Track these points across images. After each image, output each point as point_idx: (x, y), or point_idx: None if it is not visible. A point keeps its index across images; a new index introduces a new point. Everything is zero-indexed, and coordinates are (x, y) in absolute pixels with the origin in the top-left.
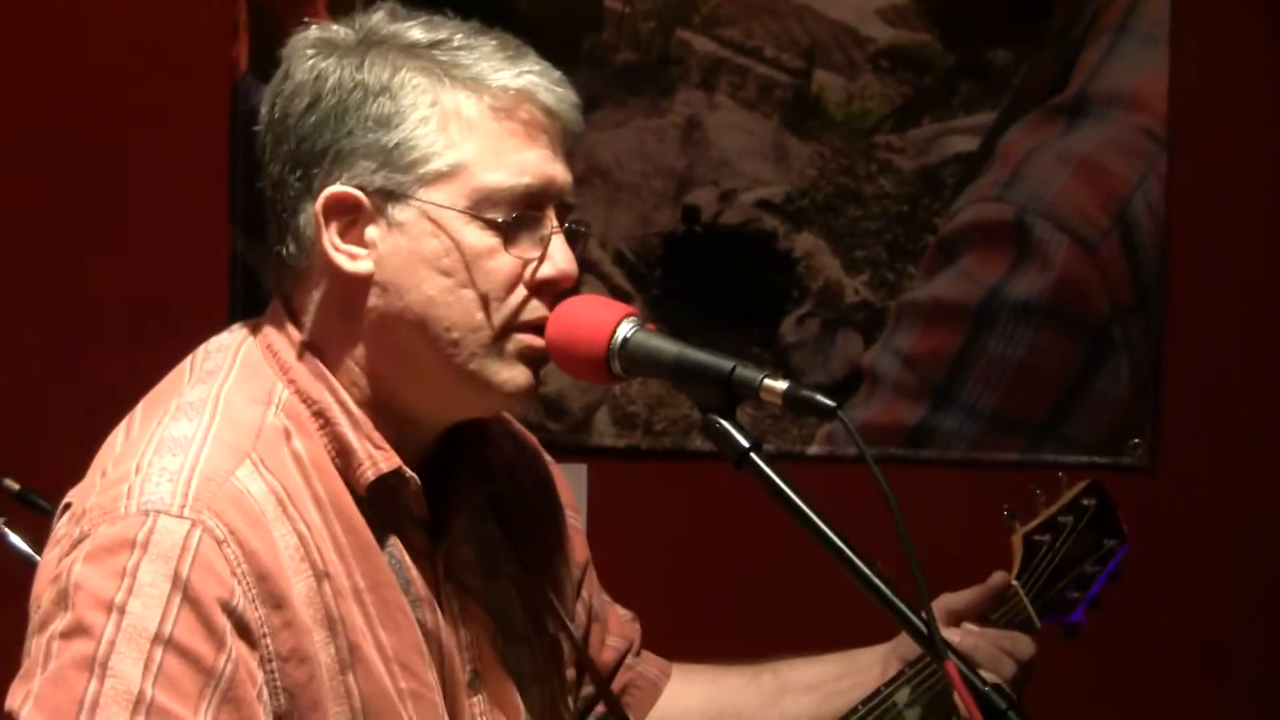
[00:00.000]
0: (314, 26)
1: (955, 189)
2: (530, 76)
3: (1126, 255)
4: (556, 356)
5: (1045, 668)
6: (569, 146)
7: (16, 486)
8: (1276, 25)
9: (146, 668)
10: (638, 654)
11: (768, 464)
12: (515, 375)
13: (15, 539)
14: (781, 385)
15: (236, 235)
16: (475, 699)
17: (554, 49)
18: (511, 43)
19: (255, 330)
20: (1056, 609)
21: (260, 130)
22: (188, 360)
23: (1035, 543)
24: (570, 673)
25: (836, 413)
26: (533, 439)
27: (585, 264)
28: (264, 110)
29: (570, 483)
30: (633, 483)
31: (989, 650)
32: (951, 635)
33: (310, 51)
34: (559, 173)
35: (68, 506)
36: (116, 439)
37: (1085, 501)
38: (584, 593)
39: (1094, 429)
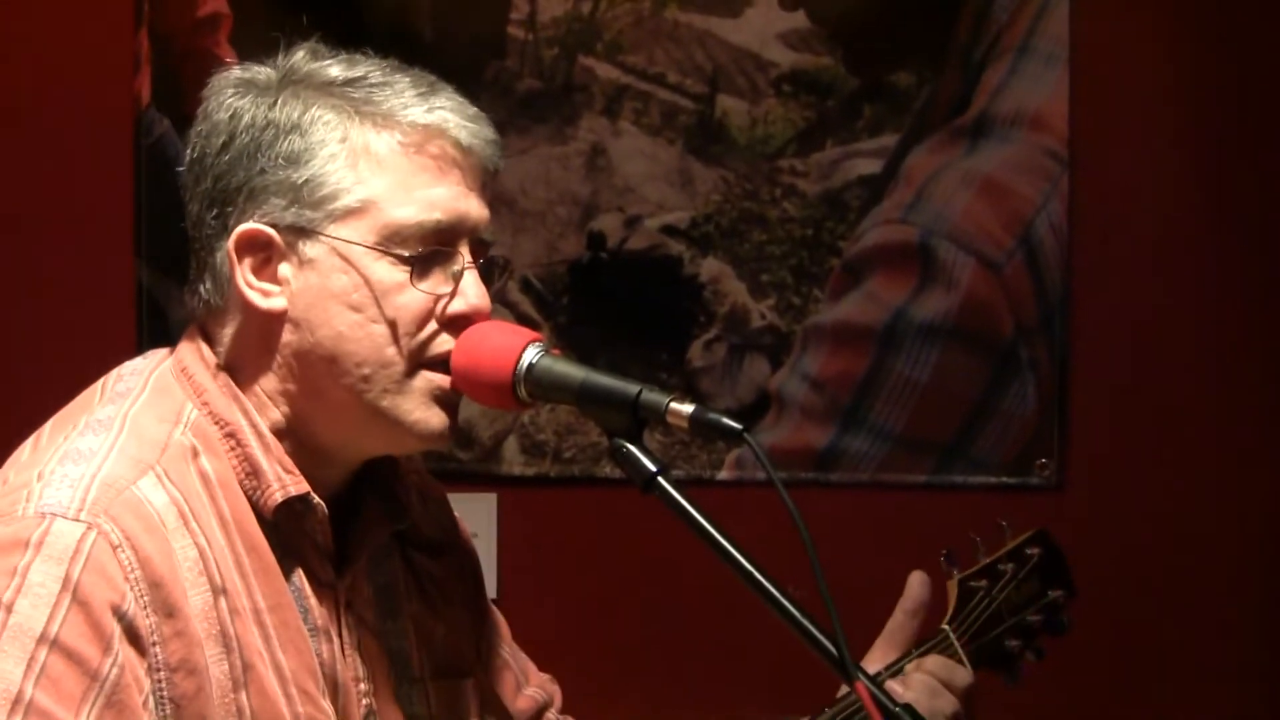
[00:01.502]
0: (236, 67)
1: (860, 212)
2: (442, 112)
3: (1031, 275)
4: (462, 384)
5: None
6: (485, 182)
7: None
8: (1175, 44)
9: (29, 667)
10: (560, 714)
11: (675, 488)
12: (429, 417)
13: None
14: (688, 409)
15: (141, 268)
16: None
17: (458, 76)
18: (426, 79)
19: (172, 355)
20: (992, 657)
21: (183, 170)
22: (100, 382)
23: (970, 588)
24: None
25: (744, 435)
26: (436, 484)
27: (493, 293)
28: (186, 150)
29: (480, 512)
30: (542, 511)
31: (926, 681)
32: (893, 684)
33: (229, 91)
34: (472, 208)
35: None
36: (22, 452)
37: (1029, 550)
38: (483, 639)
39: (1002, 449)
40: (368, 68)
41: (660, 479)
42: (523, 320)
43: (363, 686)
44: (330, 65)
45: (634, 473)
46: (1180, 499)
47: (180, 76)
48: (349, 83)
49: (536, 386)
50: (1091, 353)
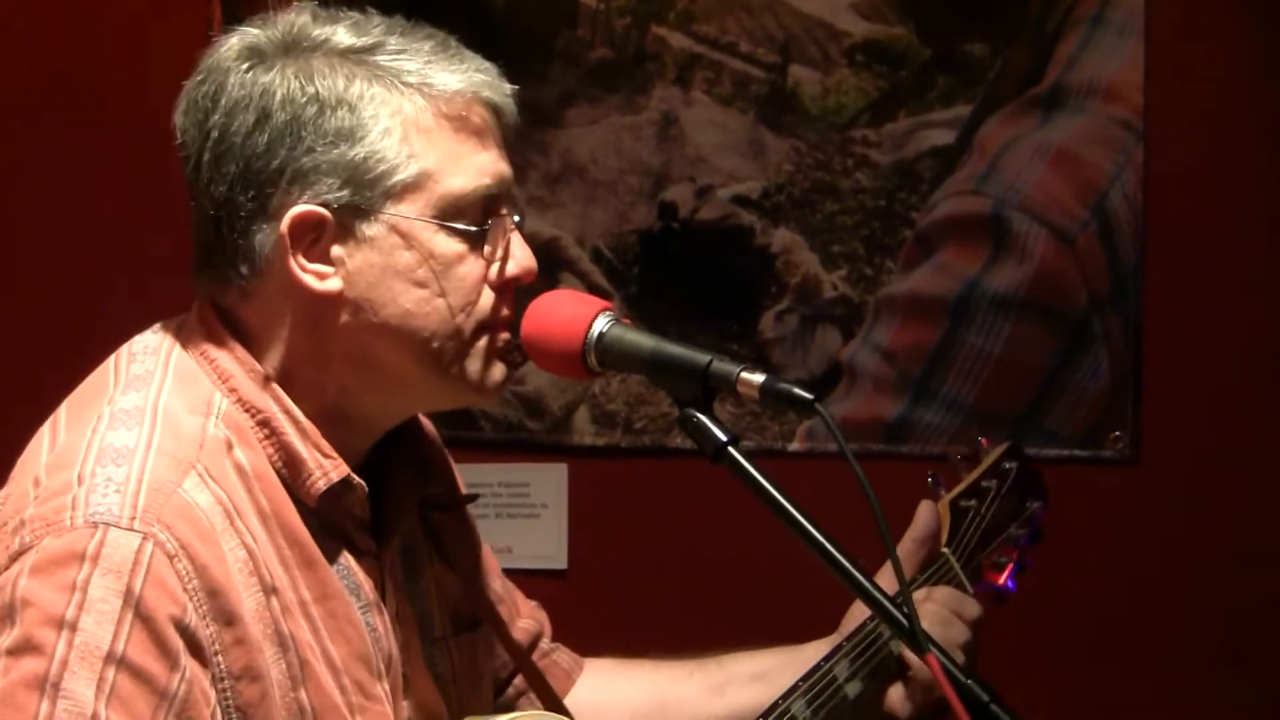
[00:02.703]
0: (231, 36)
1: (932, 183)
2: (476, 75)
3: (1104, 246)
4: (533, 352)
5: (1031, 661)
6: (508, 136)
7: None
8: (1249, 13)
9: (99, 688)
10: (551, 642)
11: (745, 458)
12: (493, 372)
13: None
14: (759, 378)
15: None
16: (404, 703)
17: (529, 46)
18: (440, 38)
19: (183, 334)
20: (986, 574)
21: (187, 146)
22: (109, 362)
23: (962, 509)
24: (494, 664)
25: (814, 405)
26: (430, 427)
27: (563, 262)
28: (188, 124)
29: (550, 482)
30: (613, 481)
31: (938, 612)
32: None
33: (240, 65)
34: (506, 169)
35: (11, 530)
36: (41, 443)
37: (1006, 465)
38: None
39: (1074, 422)
40: (381, 30)
41: (730, 449)
42: (593, 290)
43: (401, 655)
44: (339, 30)
45: (704, 442)
46: (1256, 472)
47: None
48: (368, 50)
49: (606, 355)
50: (1165, 325)
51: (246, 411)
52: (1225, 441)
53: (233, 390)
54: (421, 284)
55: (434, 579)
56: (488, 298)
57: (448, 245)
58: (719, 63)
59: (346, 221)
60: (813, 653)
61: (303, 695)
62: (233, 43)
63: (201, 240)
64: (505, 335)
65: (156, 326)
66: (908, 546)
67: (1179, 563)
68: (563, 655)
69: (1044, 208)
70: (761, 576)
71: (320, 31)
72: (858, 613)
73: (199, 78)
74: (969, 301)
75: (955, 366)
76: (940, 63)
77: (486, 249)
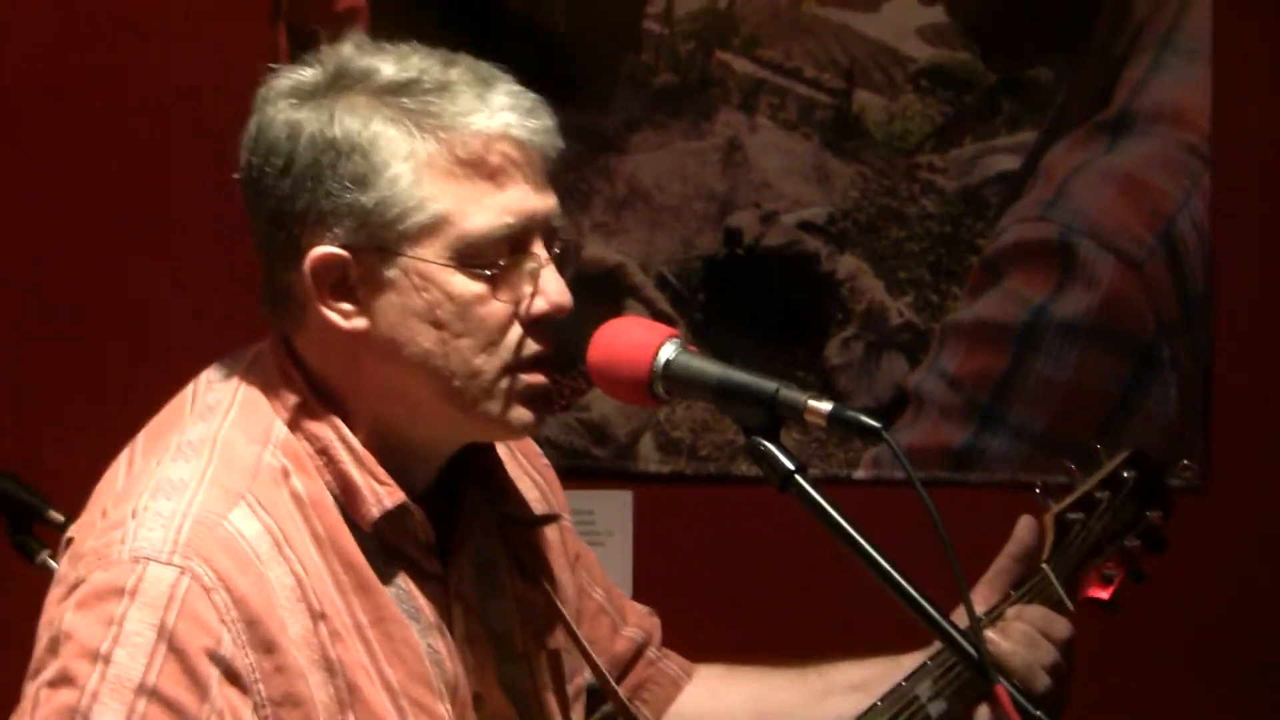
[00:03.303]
0: (284, 71)
1: (998, 209)
2: (502, 114)
3: (1172, 273)
4: (599, 379)
5: (1099, 690)
6: (550, 169)
7: (61, 519)
8: None
9: (128, 719)
10: (660, 649)
11: (813, 486)
12: (520, 415)
13: None
14: (826, 406)
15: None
16: None
17: (593, 72)
18: (480, 76)
19: (255, 365)
20: (1090, 588)
21: (241, 178)
22: (189, 389)
23: (1067, 522)
24: (578, 681)
25: (882, 433)
26: (530, 444)
27: (628, 289)
28: (243, 158)
29: (615, 509)
30: (678, 508)
31: (1026, 633)
32: (992, 632)
33: (282, 103)
34: (540, 204)
35: (69, 542)
36: (118, 473)
37: (1125, 474)
38: (574, 590)
39: (1144, 450)
40: (421, 66)
41: (798, 477)
42: (659, 317)
43: (472, 675)
44: (381, 64)
45: (771, 470)
46: None
47: None
48: (403, 88)
49: (673, 383)
50: (1235, 352)
51: (306, 439)
52: None
53: (294, 420)
54: (440, 325)
55: (515, 595)
56: (514, 336)
57: (466, 286)
58: (783, 88)
59: (367, 263)
60: (913, 663)
61: (350, 718)
62: (282, 81)
63: (261, 271)
64: (537, 378)
65: (234, 352)
66: (1003, 564)
67: (1249, 592)
68: (670, 663)
69: (1111, 234)
70: (827, 604)
71: (361, 65)
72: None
73: (253, 114)
74: (1036, 328)
75: (1023, 394)
76: (1006, 88)
77: (506, 288)
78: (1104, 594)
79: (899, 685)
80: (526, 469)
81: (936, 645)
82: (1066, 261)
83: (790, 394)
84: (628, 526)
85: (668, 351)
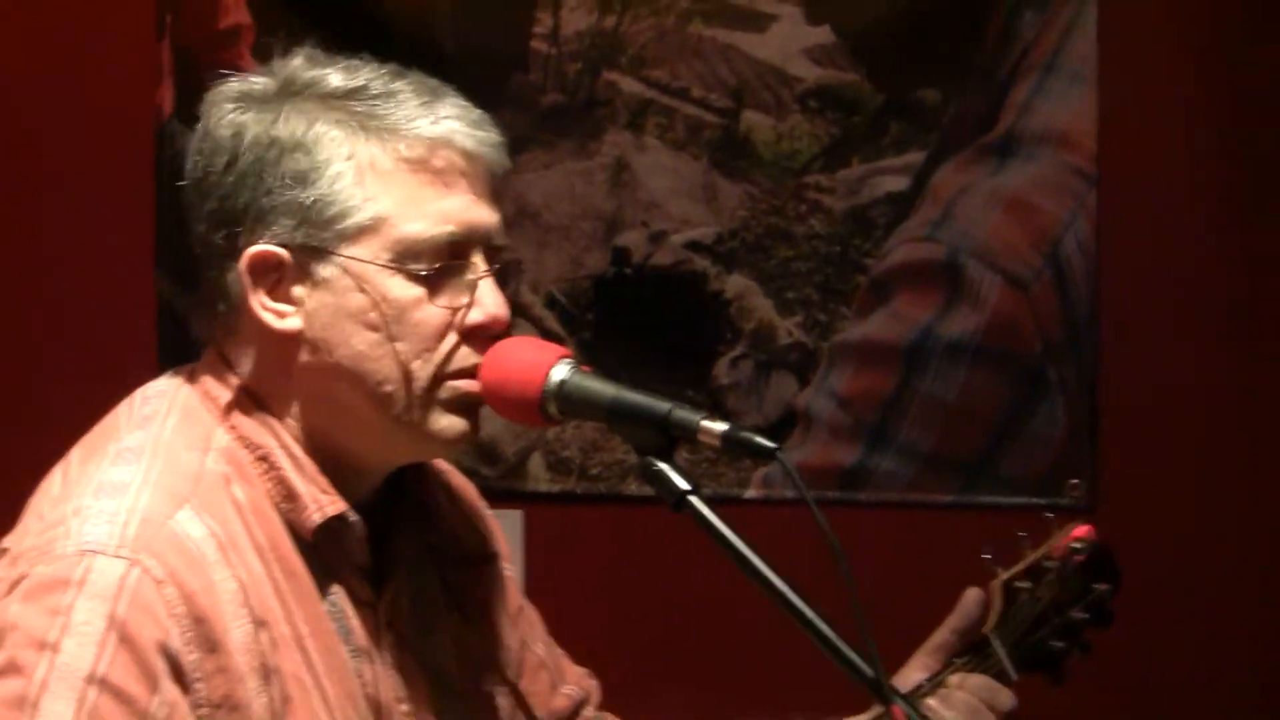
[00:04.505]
0: (233, 79)
1: (886, 229)
2: (448, 122)
3: (1059, 294)
4: (491, 400)
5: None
6: (495, 186)
7: None
8: (1203, 61)
9: (79, 708)
10: (597, 710)
11: (706, 506)
12: (453, 423)
13: None
14: (720, 427)
15: (162, 281)
16: None
17: (480, 90)
18: (429, 86)
19: (191, 377)
20: (1038, 660)
21: (186, 186)
22: (124, 404)
23: (1015, 590)
24: None
25: (776, 454)
26: (470, 488)
27: (517, 308)
28: (188, 165)
29: (506, 529)
30: (568, 528)
31: (968, 702)
32: (934, 701)
33: (229, 106)
34: (483, 216)
35: (3, 552)
36: (53, 483)
37: (1073, 545)
38: (516, 642)
39: (1031, 469)
40: (368, 75)
41: (692, 497)
42: (547, 336)
43: (404, 707)
44: (330, 74)
45: (665, 491)
46: (1214, 518)
47: (202, 88)
48: (350, 94)
49: (566, 403)
50: (1120, 371)
51: (246, 447)
52: (1182, 487)
53: (234, 427)
54: (373, 327)
55: (452, 634)
56: (449, 344)
57: (403, 290)
58: (671, 108)
59: (304, 262)
60: None
61: None
62: (230, 87)
63: (200, 279)
64: (472, 385)
65: (171, 371)
66: (945, 635)
67: (1138, 610)
68: None
69: (998, 255)
70: (720, 625)
71: (310, 75)
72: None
73: (200, 118)
74: (924, 348)
75: (911, 413)
76: (893, 109)
77: (443, 295)
78: (1046, 668)
79: None
80: (469, 514)
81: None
82: (953, 282)
83: (684, 414)
84: (518, 546)
85: (560, 372)
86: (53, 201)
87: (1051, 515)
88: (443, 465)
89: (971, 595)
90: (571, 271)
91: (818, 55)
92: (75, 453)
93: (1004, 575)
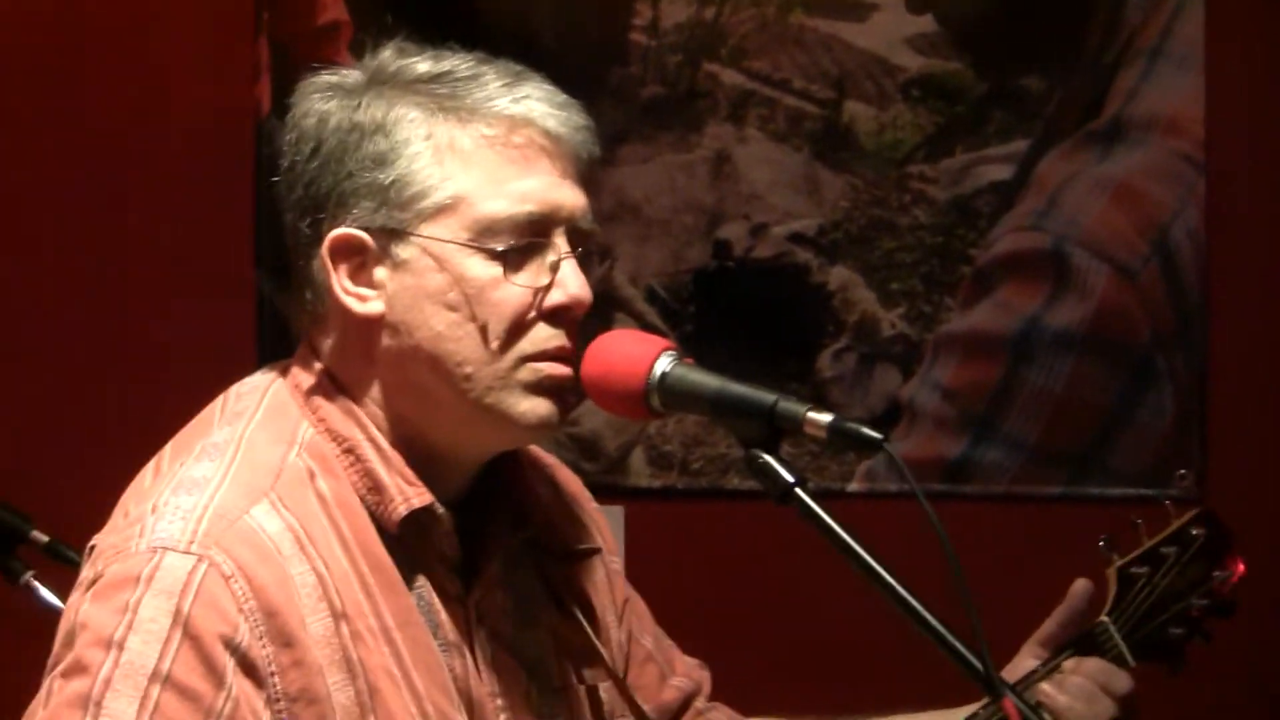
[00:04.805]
0: (324, 72)
1: (990, 218)
2: (528, 101)
3: (1167, 282)
4: (593, 393)
5: None
6: (582, 170)
7: (45, 539)
8: None
9: (142, 705)
10: (709, 701)
11: (813, 500)
12: (535, 406)
13: (45, 592)
14: (826, 418)
15: (263, 278)
16: None
17: (579, 83)
18: (512, 69)
19: (284, 372)
20: (1155, 647)
21: (278, 180)
22: (218, 401)
23: (1131, 576)
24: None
25: (883, 445)
26: (576, 482)
27: (618, 302)
28: (282, 160)
29: (608, 524)
30: (670, 523)
31: (1083, 686)
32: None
33: (317, 96)
34: (566, 197)
35: (92, 549)
36: (144, 478)
37: (1194, 531)
38: (624, 635)
39: (1139, 460)
40: (454, 62)
41: (798, 490)
42: (648, 330)
43: (499, 702)
44: (417, 62)
45: (770, 484)
46: None
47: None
48: (435, 79)
49: (670, 396)
50: (1231, 361)
51: (333, 440)
52: None
53: (321, 419)
54: (452, 307)
55: (551, 629)
56: (530, 325)
57: (482, 269)
58: (772, 99)
59: (385, 244)
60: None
61: None
62: (320, 79)
63: (291, 271)
64: (556, 369)
65: (265, 367)
66: (1052, 628)
67: (1247, 601)
68: (719, 714)
69: (1105, 243)
70: (821, 619)
71: (397, 64)
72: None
73: (290, 110)
74: (1030, 339)
75: (1017, 405)
76: (997, 97)
77: (522, 274)
78: (1167, 655)
79: None
80: (574, 510)
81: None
82: (1060, 271)
83: (789, 405)
84: (620, 541)
85: (664, 364)
86: (152, 199)
87: (1168, 503)
88: (549, 459)
89: (1080, 586)
90: (672, 265)
91: (920, 44)
92: (168, 449)
93: (1119, 561)
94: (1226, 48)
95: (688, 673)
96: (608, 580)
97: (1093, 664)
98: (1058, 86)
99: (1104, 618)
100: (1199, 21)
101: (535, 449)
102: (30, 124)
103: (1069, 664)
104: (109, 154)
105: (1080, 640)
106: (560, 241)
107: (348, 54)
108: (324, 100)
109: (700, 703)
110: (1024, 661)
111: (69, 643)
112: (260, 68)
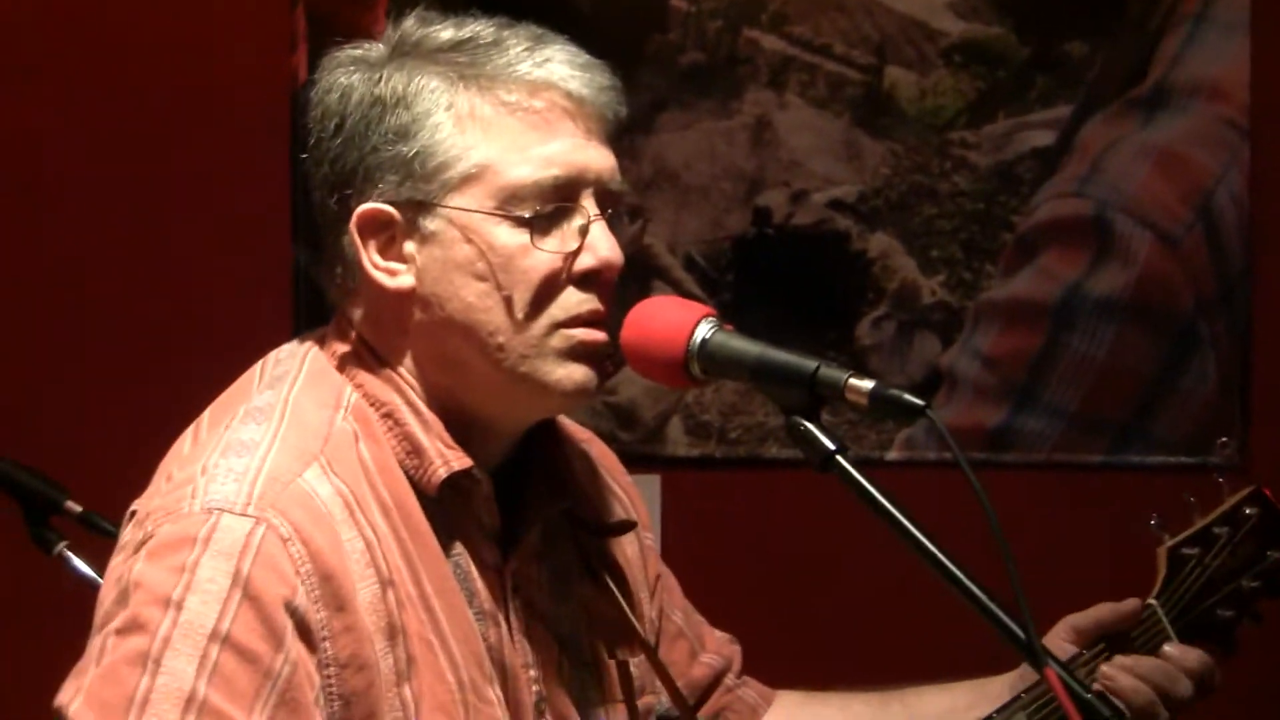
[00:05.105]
0: (348, 47)
1: (1032, 185)
2: (551, 65)
3: (1210, 249)
4: (633, 359)
5: None
6: (609, 130)
7: (79, 509)
8: None
9: (201, 665)
10: (739, 677)
11: (854, 468)
12: (571, 372)
13: (79, 563)
14: (868, 384)
15: (299, 249)
16: None
17: (619, 50)
18: (533, 32)
19: (321, 340)
20: (1204, 629)
21: (305, 157)
22: (256, 367)
23: (1182, 557)
24: (649, 699)
25: (926, 411)
26: (611, 456)
27: (655, 270)
28: (308, 137)
29: (644, 493)
30: (707, 492)
31: (1155, 667)
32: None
33: (339, 72)
34: (593, 159)
35: (133, 515)
36: (184, 444)
37: (1247, 510)
38: (655, 611)
39: (1181, 428)
40: (476, 28)
41: (839, 457)
42: (687, 298)
43: (532, 673)
44: (439, 30)
45: (811, 451)
46: None
47: None
48: (456, 46)
49: (710, 362)
50: (1274, 328)
51: (373, 405)
52: None
53: (360, 385)
54: (482, 277)
55: (585, 603)
56: (562, 291)
57: (509, 237)
58: (813, 65)
59: (412, 218)
60: (998, 688)
61: (406, 691)
62: (343, 53)
63: (323, 248)
64: (590, 334)
65: (302, 335)
66: (1088, 624)
67: None
68: (749, 690)
69: (1148, 209)
70: (858, 588)
71: (420, 33)
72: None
73: (314, 86)
74: (1072, 306)
75: (1058, 373)
76: (1039, 62)
77: (550, 240)
78: (1216, 637)
79: (990, 717)
80: (609, 484)
81: (1028, 676)
82: (1102, 238)
83: (831, 372)
84: (656, 511)
85: (704, 330)
86: (189, 170)
87: (1221, 479)
88: (584, 434)
89: (1132, 606)
90: (711, 233)
91: (962, 8)
92: (206, 415)
93: (1170, 541)
94: (1273, 11)
95: (718, 649)
96: (641, 555)
97: (1149, 665)
98: (1101, 52)
99: (1152, 600)
100: None
101: (571, 424)
102: (67, 95)
103: (1128, 661)
104: (146, 125)
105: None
106: (589, 204)
107: (386, 23)
108: (346, 75)
109: (730, 679)
110: (1055, 643)
111: (122, 600)
112: (297, 38)
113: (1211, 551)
